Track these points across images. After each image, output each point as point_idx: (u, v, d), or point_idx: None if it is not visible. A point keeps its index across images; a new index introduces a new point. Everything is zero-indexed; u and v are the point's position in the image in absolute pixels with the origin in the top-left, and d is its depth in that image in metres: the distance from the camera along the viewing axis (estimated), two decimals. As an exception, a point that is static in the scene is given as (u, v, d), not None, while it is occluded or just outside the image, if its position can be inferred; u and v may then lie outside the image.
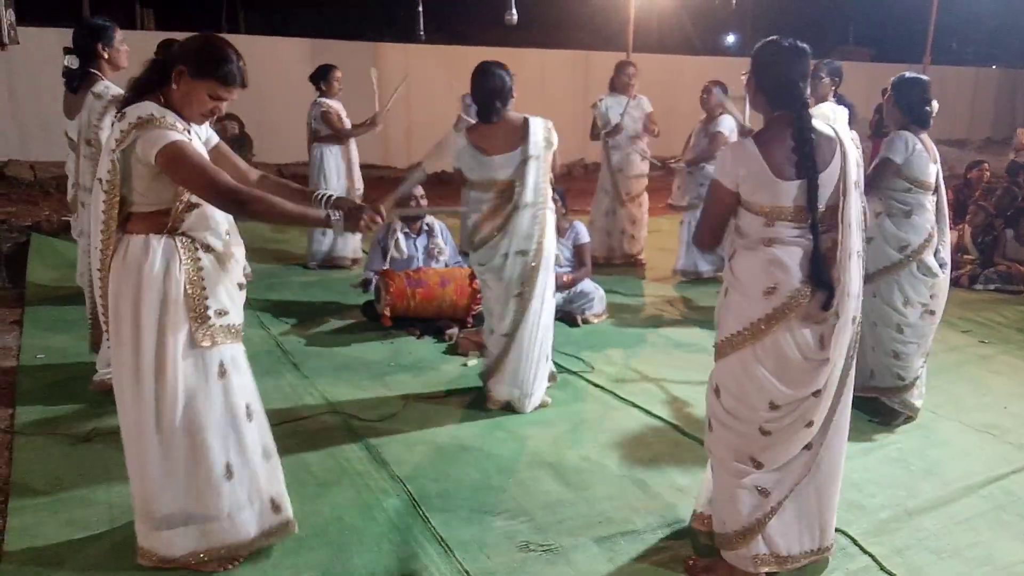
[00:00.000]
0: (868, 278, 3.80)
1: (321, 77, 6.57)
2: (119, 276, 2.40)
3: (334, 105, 6.54)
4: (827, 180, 2.39)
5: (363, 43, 13.59)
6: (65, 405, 3.79)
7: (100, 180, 2.38)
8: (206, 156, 2.43)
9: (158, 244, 2.38)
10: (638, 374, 4.51)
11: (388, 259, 5.29)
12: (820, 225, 2.40)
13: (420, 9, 13.11)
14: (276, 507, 2.68)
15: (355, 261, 6.71)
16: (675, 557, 2.78)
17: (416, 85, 12.99)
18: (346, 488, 3.17)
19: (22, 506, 2.96)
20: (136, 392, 2.42)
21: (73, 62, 3.72)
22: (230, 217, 2.51)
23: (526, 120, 3.74)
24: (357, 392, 4.14)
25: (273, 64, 11.58)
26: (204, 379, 2.47)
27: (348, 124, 6.59)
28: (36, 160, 10.00)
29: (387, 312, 4.99)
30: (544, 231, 3.80)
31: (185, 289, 2.39)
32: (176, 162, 2.28)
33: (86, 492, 3.07)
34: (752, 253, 2.46)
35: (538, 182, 3.75)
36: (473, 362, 4.57)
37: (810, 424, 2.49)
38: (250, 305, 5.55)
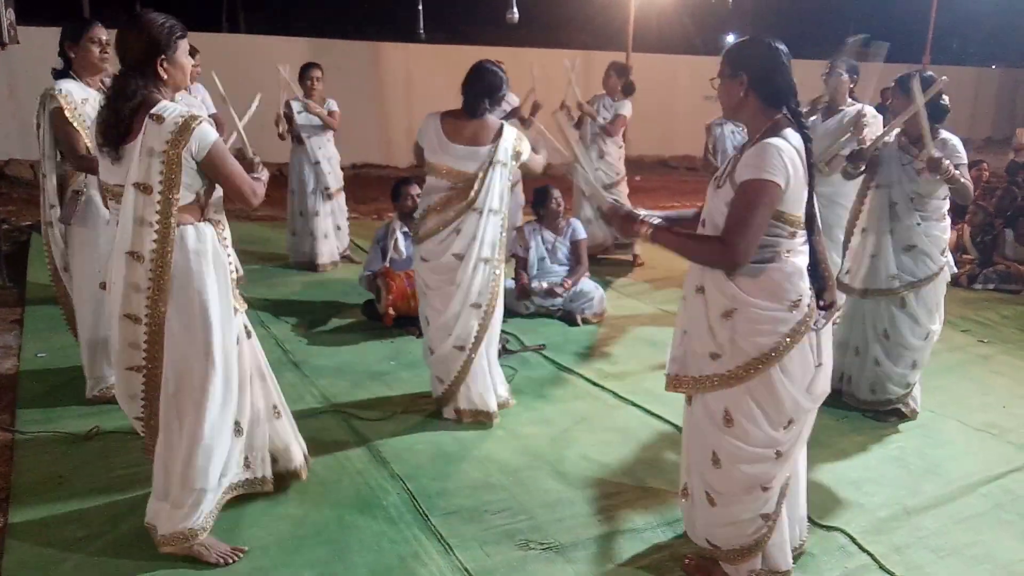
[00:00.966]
0: (912, 286, 3.77)
1: (299, 76, 6.48)
2: (182, 268, 2.50)
3: (294, 105, 6.40)
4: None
5: (363, 42, 13.59)
6: (66, 404, 3.79)
7: (142, 185, 2.43)
8: None
9: (205, 228, 2.57)
10: (638, 373, 4.51)
11: (387, 259, 5.30)
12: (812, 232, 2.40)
13: (420, 8, 13.11)
14: (274, 460, 3.00)
15: (334, 264, 6.71)
16: (675, 555, 2.79)
17: (417, 84, 13.00)
18: (346, 487, 3.18)
19: (23, 505, 2.96)
20: (212, 374, 2.56)
21: (59, 64, 3.71)
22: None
23: (502, 125, 3.68)
24: (357, 391, 4.15)
25: (272, 64, 11.54)
26: (238, 343, 2.71)
27: (302, 122, 6.41)
28: (36, 159, 9.99)
29: (389, 312, 5.00)
30: (504, 242, 3.76)
31: (226, 264, 2.61)
32: (221, 160, 2.51)
33: (87, 490, 3.07)
34: (769, 266, 2.31)
35: (503, 190, 3.68)
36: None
37: (800, 435, 2.48)
38: (251, 304, 5.56)
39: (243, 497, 3.03)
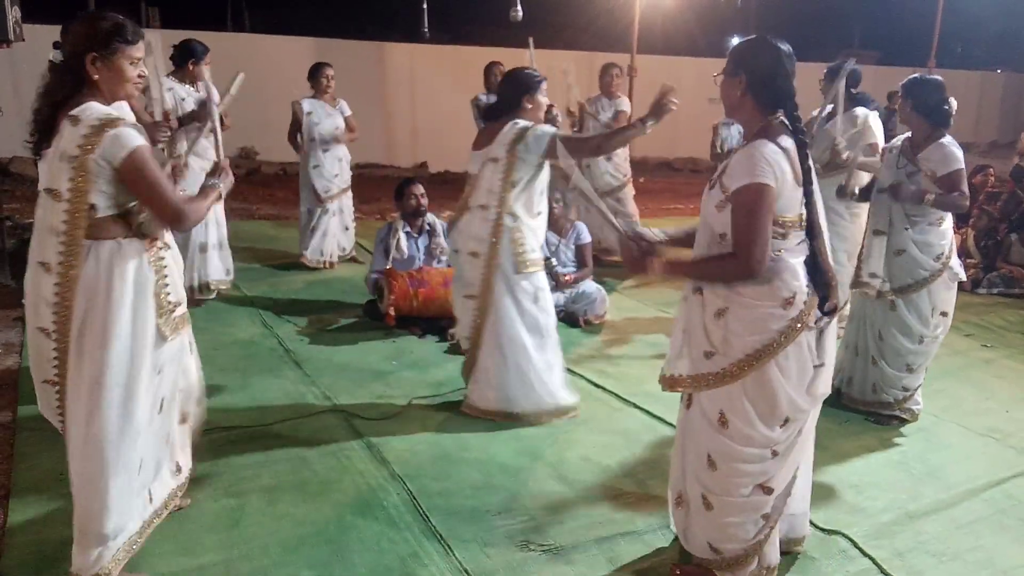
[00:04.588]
0: (899, 291, 3.76)
1: (309, 75, 6.50)
2: (91, 285, 2.31)
3: (305, 105, 6.39)
4: None
5: (367, 42, 13.61)
6: (67, 401, 3.79)
7: (53, 191, 2.27)
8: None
9: (129, 246, 2.35)
10: (640, 375, 4.50)
11: (390, 259, 5.29)
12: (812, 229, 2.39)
13: (425, 8, 13.11)
14: (179, 468, 2.69)
15: (332, 264, 6.64)
16: (675, 558, 2.78)
17: (420, 84, 13.01)
18: (347, 486, 3.18)
19: (23, 502, 2.96)
20: (104, 402, 2.31)
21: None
22: None
23: (506, 123, 3.62)
24: (359, 391, 4.14)
25: (277, 63, 11.59)
26: (164, 370, 2.46)
27: (325, 126, 6.44)
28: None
29: (390, 312, 5.00)
30: (502, 237, 3.62)
31: (155, 287, 2.40)
32: (140, 170, 2.27)
33: (87, 488, 3.07)
34: None
35: (493, 186, 3.62)
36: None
37: (799, 433, 2.47)
38: (253, 304, 5.58)
39: (243, 496, 3.04)
